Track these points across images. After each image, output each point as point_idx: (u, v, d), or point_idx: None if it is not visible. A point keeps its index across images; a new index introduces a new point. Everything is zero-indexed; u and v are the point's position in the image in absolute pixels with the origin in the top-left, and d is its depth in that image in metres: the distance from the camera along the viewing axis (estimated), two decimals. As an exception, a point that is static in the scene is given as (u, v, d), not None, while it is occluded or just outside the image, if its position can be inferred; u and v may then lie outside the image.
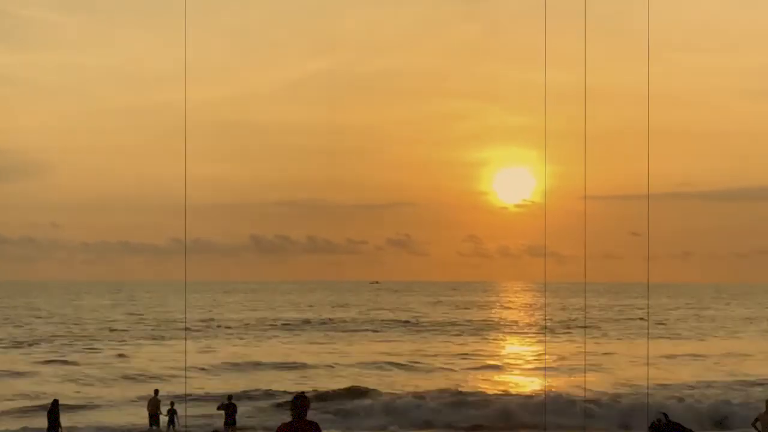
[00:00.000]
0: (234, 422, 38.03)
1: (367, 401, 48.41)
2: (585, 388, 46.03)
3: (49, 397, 41.44)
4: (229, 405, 37.99)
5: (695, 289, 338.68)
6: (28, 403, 49.67)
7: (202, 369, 63.67)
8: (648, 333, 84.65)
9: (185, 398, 39.95)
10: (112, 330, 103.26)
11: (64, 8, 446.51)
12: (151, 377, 58.71)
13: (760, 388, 52.79)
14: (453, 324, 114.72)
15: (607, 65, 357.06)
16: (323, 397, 48.99)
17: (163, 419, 39.22)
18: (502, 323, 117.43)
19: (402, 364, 67.66)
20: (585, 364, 47.93)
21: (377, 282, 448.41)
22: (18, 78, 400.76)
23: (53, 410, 36.45)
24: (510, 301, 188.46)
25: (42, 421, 37.71)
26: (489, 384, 57.00)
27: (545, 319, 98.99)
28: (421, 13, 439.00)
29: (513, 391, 53.19)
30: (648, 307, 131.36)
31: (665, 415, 26.96)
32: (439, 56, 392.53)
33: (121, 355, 74.71)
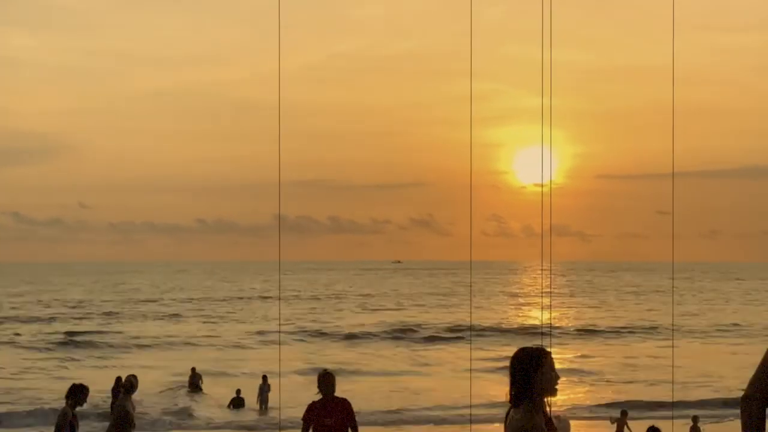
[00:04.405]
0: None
1: None
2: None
3: None
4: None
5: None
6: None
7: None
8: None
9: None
10: None
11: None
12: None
13: None
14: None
15: (631, 44, 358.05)
16: None
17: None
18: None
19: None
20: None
21: (399, 261, 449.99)
22: (42, 61, 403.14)
23: (116, 388, 35.92)
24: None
25: None
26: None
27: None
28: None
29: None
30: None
31: None
32: (459, 38, 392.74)
33: None
